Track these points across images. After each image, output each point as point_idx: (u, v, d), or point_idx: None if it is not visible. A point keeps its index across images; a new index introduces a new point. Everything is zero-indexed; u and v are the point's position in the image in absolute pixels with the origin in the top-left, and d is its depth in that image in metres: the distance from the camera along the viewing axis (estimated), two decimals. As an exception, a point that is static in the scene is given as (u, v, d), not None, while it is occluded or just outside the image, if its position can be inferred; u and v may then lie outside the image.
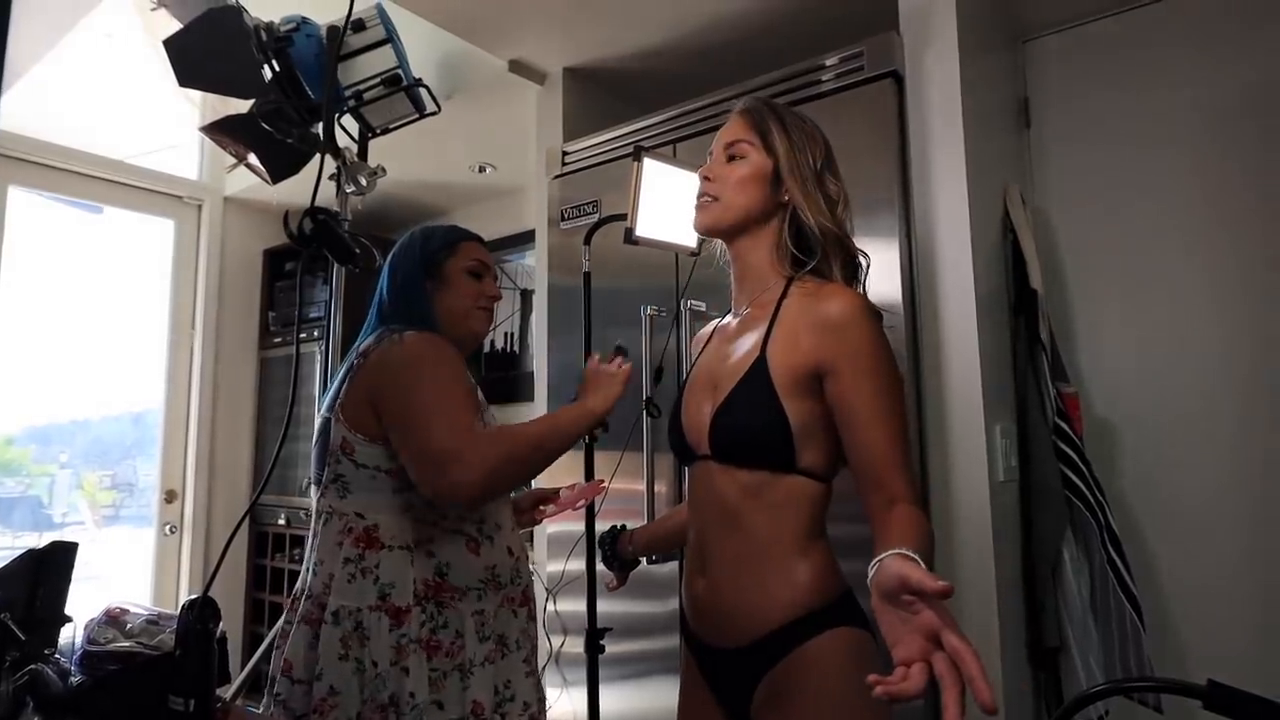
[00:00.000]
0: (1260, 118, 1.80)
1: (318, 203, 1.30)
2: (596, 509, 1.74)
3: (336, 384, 1.23)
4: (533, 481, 2.41)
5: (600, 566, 1.47)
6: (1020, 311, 1.81)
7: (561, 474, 2.17)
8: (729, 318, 1.18)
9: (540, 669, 1.32)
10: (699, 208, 1.12)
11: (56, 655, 0.99)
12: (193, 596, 0.99)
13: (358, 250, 1.28)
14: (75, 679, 0.97)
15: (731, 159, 1.10)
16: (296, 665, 1.14)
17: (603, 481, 1.53)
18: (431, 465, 1.08)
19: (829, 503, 1.04)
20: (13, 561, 0.98)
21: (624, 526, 1.44)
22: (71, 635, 1.03)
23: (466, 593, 1.16)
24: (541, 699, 1.27)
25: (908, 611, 0.71)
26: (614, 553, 1.41)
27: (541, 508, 1.49)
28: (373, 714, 1.09)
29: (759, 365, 1.01)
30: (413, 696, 1.08)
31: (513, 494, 1.47)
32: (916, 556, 0.75)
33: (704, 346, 1.21)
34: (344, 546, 1.14)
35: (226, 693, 1.33)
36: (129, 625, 1.04)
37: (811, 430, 0.99)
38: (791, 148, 1.07)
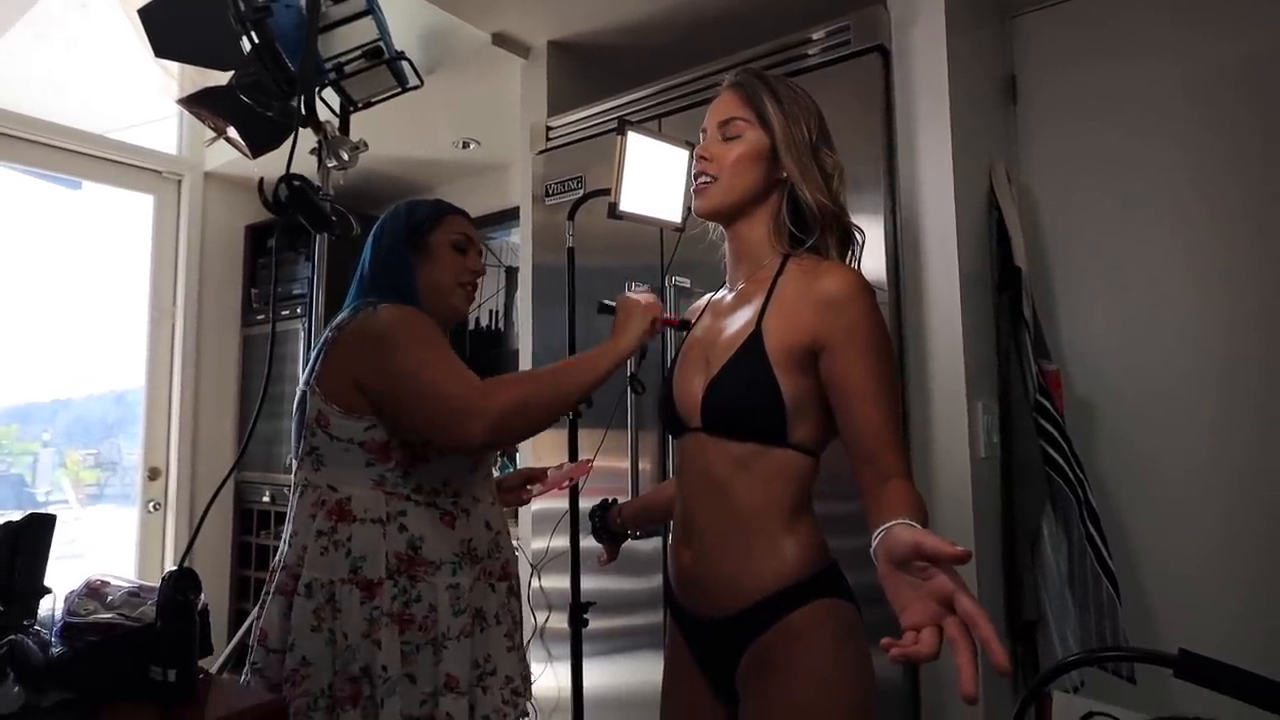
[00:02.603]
0: (1246, 95, 1.80)
1: (297, 173, 1.29)
2: (580, 487, 1.74)
3: (313, 357, 1.23)
4: (520, 460, 2.41)
5: (591, 542, 1.48)
6: (1004, 288, 1.82)
7: (546, 452, 2.18)
8: (723, 292, 1.18)
9: (525, 644, 1.33)
10: (698, 191, 1.11)
11: (36, 627, 0.99)
12: (172, 569, 0.99)
13: (334, 218, 1.26)
14: (56, 650, 0.97)
15: (727, 138, 1.09)
16: (271, 634, 1.15)
17: (590, 461, 1.54)
18: (443, 418, 1.08)
19: (817, 477, 1.05)
20: (-11, 534, 0.97)
21: (614, 500, 1.45)
22: (51, 607, 1.03)
23: (440, 566, 1.16)
24: (525, 675, 1.28)
25: (919, 578, 0.72)
26: (604, 525, 1.42)
27: (529, 487, 1.49)
28: (344, 684, 1.09)
29: (754, 339, 1.01)
30: (384, 669, 1.09)
31: (497, 472, 1.47)
32: (923, 529, 0.76)
33: (697, 320, 1.21)
34: (317, 519, 1.15)
35: (212, 666, 1.33)
36: (110, 597, 1.04)
37: (804, 405, 1.00)
38: (787, 122, 1.06)
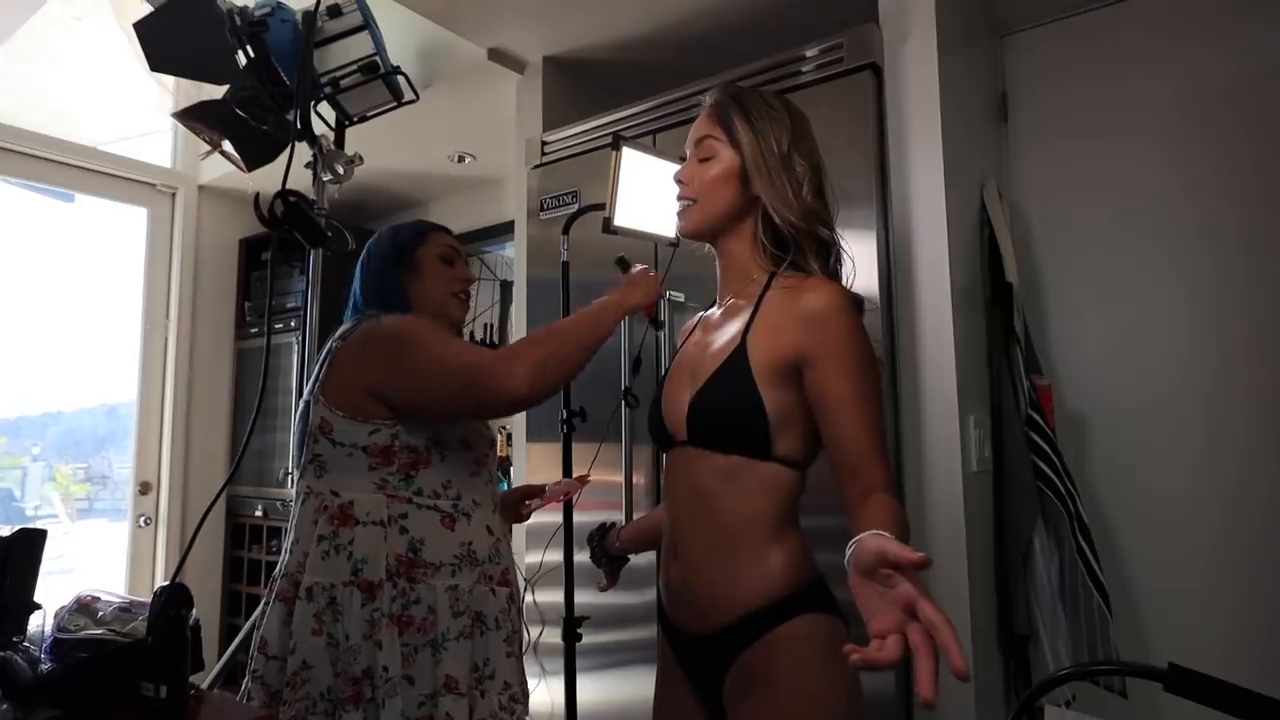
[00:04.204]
0: (1236, 111, 1.83)
1: (293, 188, 1.29)
2: (574, 501, 1.74)
3: (317, 368, 1.24)
4: (516, 481, 2.41)
5: (586, 557, 1.47)
6: (995, 304, 1.83)
7: (541, 467, 2.18)
8: (714, 309, 1.18)
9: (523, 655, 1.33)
10: (679, 213, 1.13)
11: (26, 643, 0.98)
12: (164, 583, 0.98)
13: (329, 233, 1.27)
14: (45, 667, 0.96)
15: (702, 159, 1.10)
16: (271, 642, 1.15)
17: (586, 476, 1.54)
18: (484, 380, 1.10)
19: (803, 490, 1.05)
20: (-22, 550, 0.97)
21: (612, 524, 1.44)
22: (41, 623, 1.02)
23: (440, 568, 1.17)
24: (524, 685, 1.27)
25: (885, 585, 0.72)
26: (602, 549, 1.41)
27: (528, 502, 1.50)
28: (346, 686, 1.10)
29: (739, 353, 1.02)
30: (385, 670, 1.09)
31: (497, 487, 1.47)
32: (892, 536, 0.76)
33: (688, 337, 1.22)
34: (319, 524, 1.16)
35: (203, 682, 1.32)
36: (100, 613, 1.03)
37: (788, 418, 1.00)
38: (756, 139, 1.06)
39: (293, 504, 1.23)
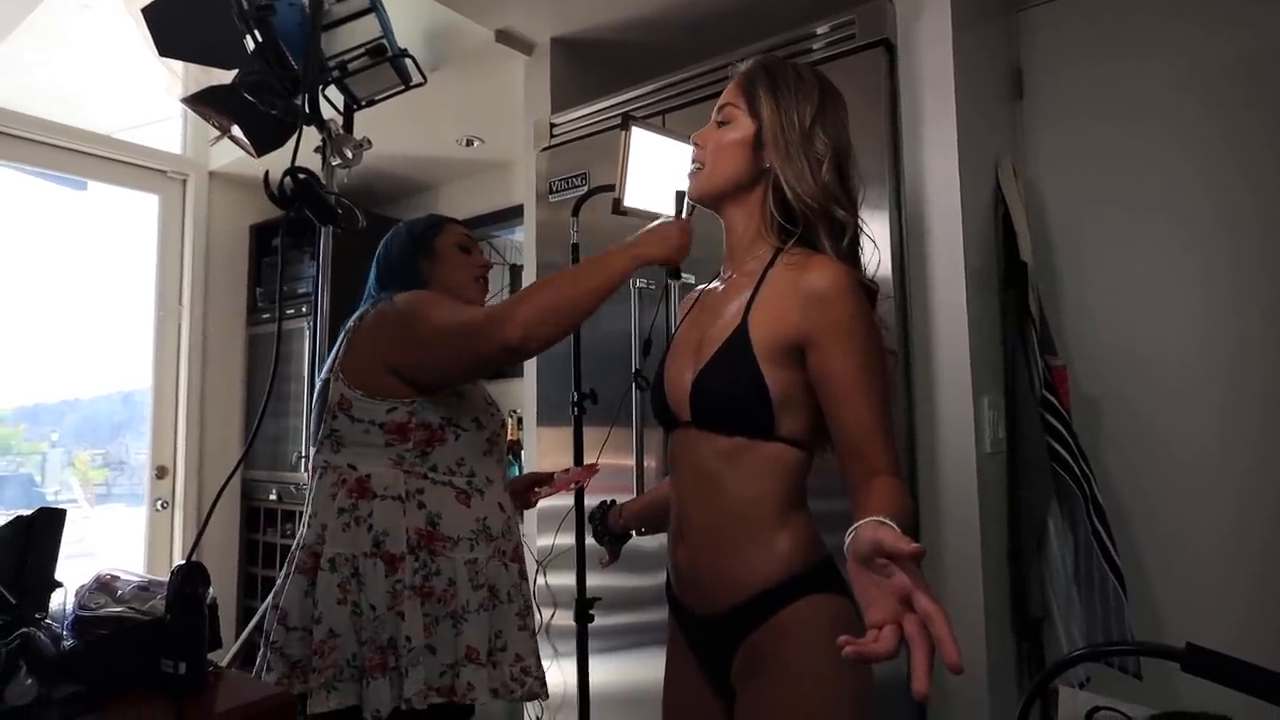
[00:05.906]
0: (1253, 90, 1.79)
1: (303, 165, 1.30)
2: (576, 488, 1.74)
3: (335, 349, 1.28)
4: (527, 465, 2.42)
5: (593, 542, 1.48)
6: (1010, 284, 1.82)
7: (552, 450, 2.18)
8: (715, 283, 1.16)
9: (535, 629, 1.34)
10: (690, 176, 1.12)
11: (48, 620, 1.00)
12: (181, 563, 1.00)
13: (340, 210, 1.29)
14: (68, 643, 0.98)
15: (721, 124, 1.09)
16: (291, 612, 1.18)
17: (595, 465, 1.55)
18: (476, 337, 1.12)
19: (809, 470, 1.04)
20: (1, 528, 0.98)
21: (614, 501, 1.44)
22: (63, 601, 1.04)
23: (458, 542, 1.21)
24: (538, 657, 1.30)
25: (881, 575, 0.71)
26: (604, 527, 1.41)
27: (536, 489, 1.51)
28: (373, 654, 1.13)
29: (740, 332, 1.00)
30: (409, 640, 1.13)
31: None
32: (892, 523, 0.74)
33: (687, 312, 1.20)
34: (337, 497, 1.19)
35: (222, 660, 1.35)
36: (120, 591, 1.05)
37: (792, 398, 0.99)
38: (777, 110, 1.04)
39: (309, 479, 1.26)
